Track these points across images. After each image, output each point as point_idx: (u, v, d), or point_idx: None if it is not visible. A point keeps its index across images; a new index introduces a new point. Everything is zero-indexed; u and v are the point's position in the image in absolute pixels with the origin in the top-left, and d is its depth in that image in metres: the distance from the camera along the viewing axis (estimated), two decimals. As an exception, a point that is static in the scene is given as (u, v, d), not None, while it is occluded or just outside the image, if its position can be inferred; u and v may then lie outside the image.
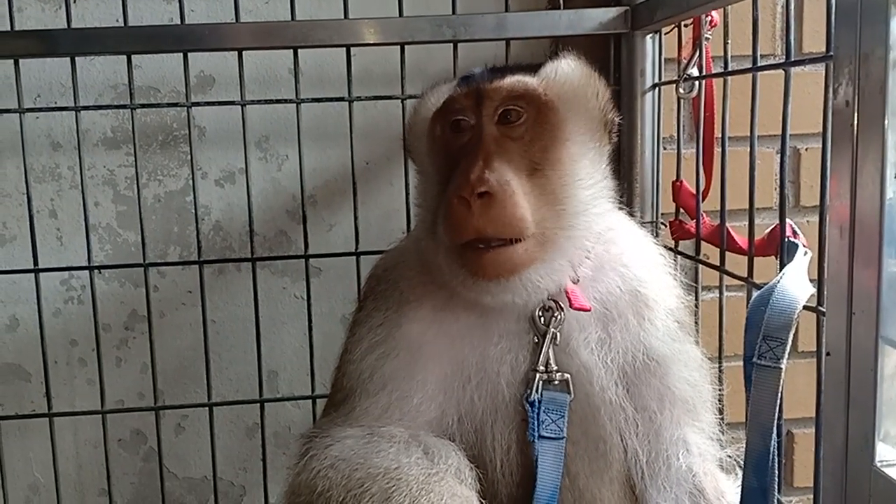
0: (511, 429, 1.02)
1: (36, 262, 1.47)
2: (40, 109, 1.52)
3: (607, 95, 1.09)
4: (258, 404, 1.54)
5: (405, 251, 1.13)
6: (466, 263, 0.97)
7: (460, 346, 1.03)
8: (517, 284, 0.97)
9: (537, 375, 1.01)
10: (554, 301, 1.03)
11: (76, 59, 1.42)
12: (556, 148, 1.00)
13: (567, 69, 1.06)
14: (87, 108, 1.48)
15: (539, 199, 0.97)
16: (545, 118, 1.01)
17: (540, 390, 1.00)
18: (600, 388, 1.03)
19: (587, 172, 1.02)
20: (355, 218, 1.49)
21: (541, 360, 1.01)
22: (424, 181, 1.10)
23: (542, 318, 1.03)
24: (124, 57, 1.43)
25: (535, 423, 0.99)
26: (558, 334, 1.03)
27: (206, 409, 1.52)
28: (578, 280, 1.04)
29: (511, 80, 1.02)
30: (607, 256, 1.08)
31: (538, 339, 1.03)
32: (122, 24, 1.43)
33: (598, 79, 1.09)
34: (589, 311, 1.02)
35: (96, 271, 1.52)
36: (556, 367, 1.02)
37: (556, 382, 1.01)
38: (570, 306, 1.01)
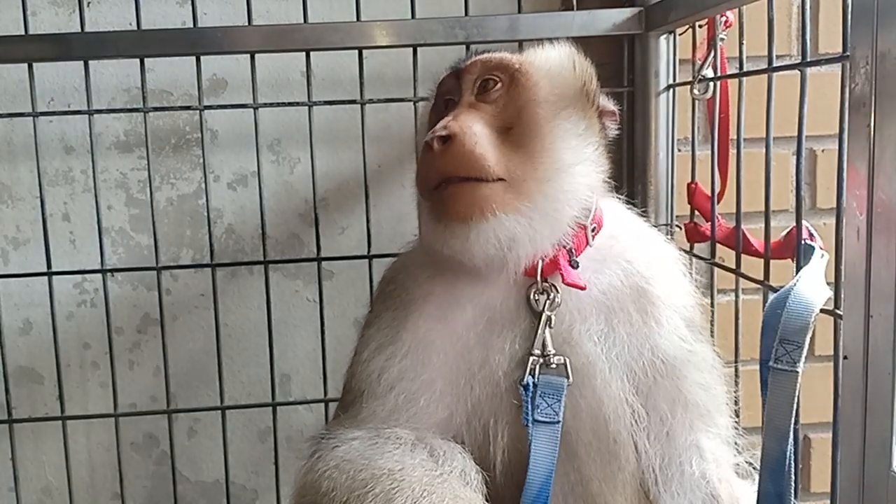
0: (507, 423, 1.00)
1: (49, 266, 1.48)
2: (53, 113, 1.53)
3: (592, 72, 1.11)
4: (270, 408, 1.54)
5: (414, 252, 1.14)
6: (434, 208, 0.99)
7: (466, 340, 1.02)
8: (487, 228, 0.96)
9: (531, 359, 0.99)
10: (549, 283, 1.02)
11: (90, 62, 1.43)
12: (530, 109, 1.02)
13: (546, 48, 1.11)
14: (100, 111, 1.49)
15: (512, 153, 0.99)
16: (518, 82, 1.04)
17: (536, 374, 0.99)
18: (605, 383, 1.01)
19: (565, 136, 1.02)
20: (367, 221, 1.49)
21: (536, 342, 1.00)
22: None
23: (538, 302, 1.02)
24: (137, 60, 1.43)
25: (529, 406, 0.98)
26: (553, 317, 1.01)
27: (219, 412, 1.52)
28: (578, 267, 1.03)
29: (486, 55, 1.08)
30: (610, 251, 1.07)
31: (535, 322, 1.02)
32: (136, 28, 1.44)
33: (583, 57, 1.11)
34: (583, 289, 1.01)
35: (109, 274, 1.52)
36: (552, 351, 1.00)
37: (554, 366, 1.00)
38: (563, 281, 1.00)
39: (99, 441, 1.67)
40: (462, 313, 1.03)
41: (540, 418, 0.98)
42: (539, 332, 1.01)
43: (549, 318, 1.01)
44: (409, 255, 1.15)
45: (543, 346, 1.01)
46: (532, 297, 1.02)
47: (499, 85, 1.04)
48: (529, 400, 0.98)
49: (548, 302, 1.02)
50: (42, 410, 1.65)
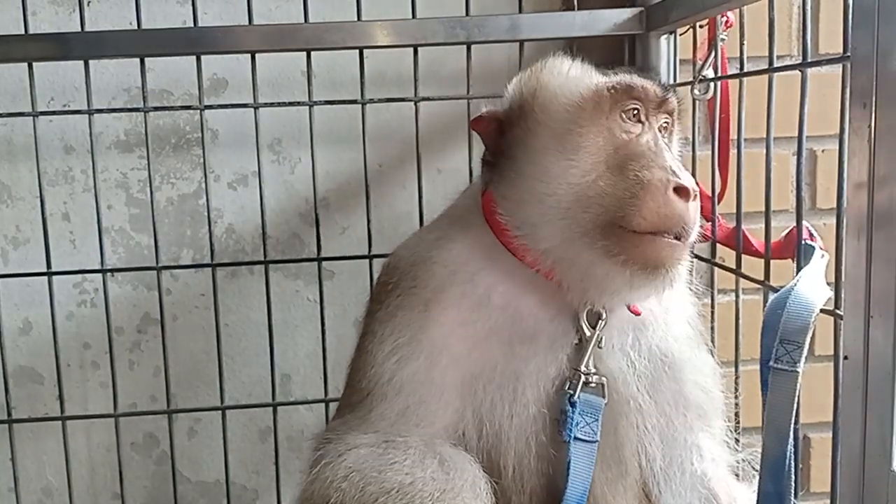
0: (529, 434, 1.00)
1: (49, 266, 1.48)
2: (53, 113, 1.52)
3: None
4: (271, 408, 1.54)
5: (432, 246, 1.07)
6: (629, 251, 0.94)
7: (487, 347, 1.00)
8: (676, 273, 0.97)
9: (582, 377, 0.99)
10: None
11: (90, 62, 1.43)
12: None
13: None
14: (100, 111, 1.48)
15: None
16: (673, 133, 1.06)
17: (578, 392, 0.99)
18: (627, 393, 1.02)
19: None
20: (368, 221, 1.49)
21: (585, 361, 1.00)
22: (562, 155, 0.98)
23: (588, 321, 1.02)
24: (137, 60, 1.43)
25: (573, 423, 0.97)
26: (603, 337, 1.02)
27: (219, 412, 1.52)
28: None
29: (673, 95, 1.06)
30: None
31: (580, 340, 1.02)
32: (136, 28, 1.44)
33: None
34: (640, 315, 1.02)
35: (109, 274, 1.52)
36: (594, 370, 1.00)
37: (593, 385, 1.00)
38: (630, 309, 1.02)
39: (99, 441, 1.67)
40: (488, 319, 1.01)
41: (579, 436, 0.98)
42: (589, 351, 1.00)
43: (600, 339, 1.01)
44: (427, 249, 1.07)
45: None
46: (583, 316, 1.01)
47: (668, 131, 1.05)
48: (573, 417, 0.98)
49: (601, 322, 1.01)
50: (42, 410, 1.65)
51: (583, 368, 1.00)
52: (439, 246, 1.05)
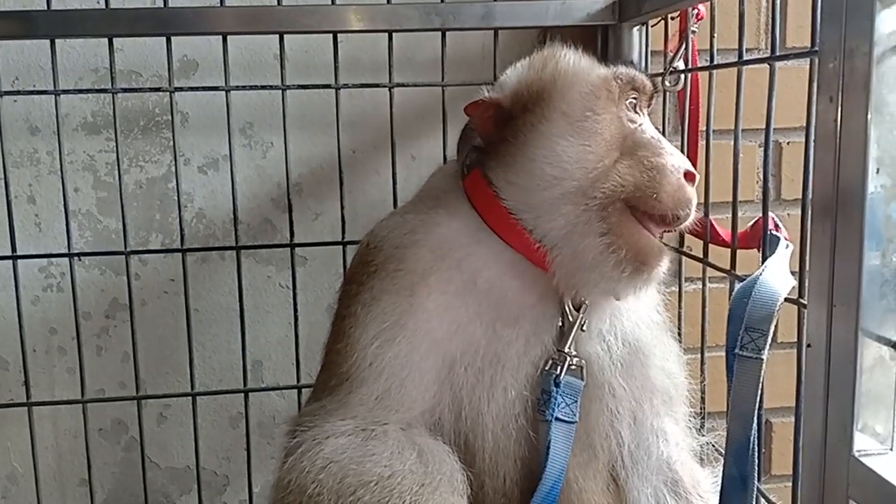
0: (508, 416, 1.01)
1: (14, 249, 1.44)
2: (18, 93, 1.49)
3: None
4: (242, 394, 1.53)
5: (418, 228, 1.05)
6: (629, 247, 0.98)
7: (470, 331, 1.01)
8: (662, 269, 1.02)
9: (567, 358, 1.01)
10: None
11: (56, 41, 1.40)
12: None
13: None
14: (66, 91, 1.45)
15: None
16: None
17: (563, 373, 1.01)
18: (602, 378, 1.04)
19: None
20: (342, 207, 1.48)
21: (569, 343, 1.02)
22: (578, 140, 1.00)
23: (571, 305, 1.03)
24: (105, 40, 1.40)
25: (556, 403, 0.99)
26: (586, 321, 1.03)
27: (189, 398, 1.51)
28: None
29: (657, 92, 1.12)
30: None
31: (562, 324, 1.03)
32: (104, 7, 1.40)
33: None
34: (620, 300, 1.04)
35: (76, 258, 1.49)
36: (575, 353, 1.02)
37: (574, 368, 1.02)
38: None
39: (66, 427, 1.65)
40: (472, 302, 1.01)
41: (560, 417, 1.00)
42: (572, 334, 1.02)
43: (583, 322, 1.03)
44: (411, 231, 1.05)
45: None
46: (568, 300, 1.03)
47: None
48: (556, 397, 1.00)
49: (584, 306, 1.03)
50: (7, 396, 1.62)
51: (566, 350, 1.02)
52: (426, 229, 1.04)
